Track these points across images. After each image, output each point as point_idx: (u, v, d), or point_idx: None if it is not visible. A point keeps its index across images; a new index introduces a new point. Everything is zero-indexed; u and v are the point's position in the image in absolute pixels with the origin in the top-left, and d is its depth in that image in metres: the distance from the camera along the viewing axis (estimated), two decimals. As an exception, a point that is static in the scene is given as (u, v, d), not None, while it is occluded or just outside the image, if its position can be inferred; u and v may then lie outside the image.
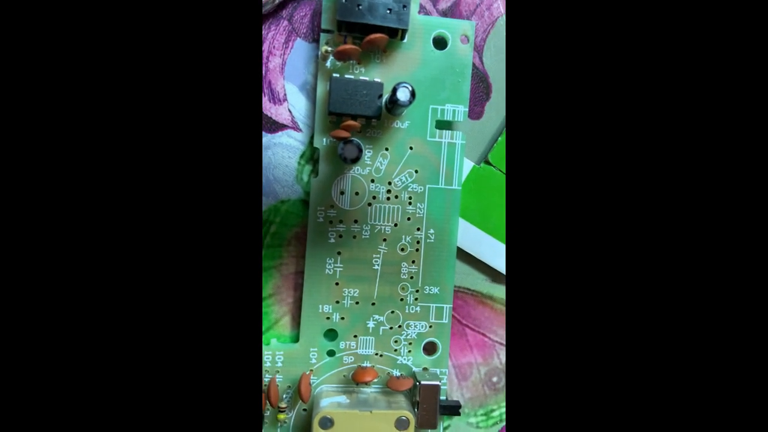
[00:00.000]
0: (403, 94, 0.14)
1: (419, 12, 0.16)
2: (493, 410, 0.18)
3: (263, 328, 0.16)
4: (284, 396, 0.16)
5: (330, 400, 0.15)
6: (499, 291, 0.18)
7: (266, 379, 0.16)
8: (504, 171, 0.17)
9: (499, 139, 0.17)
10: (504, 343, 0.18)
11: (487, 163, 0.17)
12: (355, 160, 0.14)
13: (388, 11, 0.15)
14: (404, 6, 0.15)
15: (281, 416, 0.15)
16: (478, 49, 0.17)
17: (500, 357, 0.18)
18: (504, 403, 0.18)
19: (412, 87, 0.14)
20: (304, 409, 0.16)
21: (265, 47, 0.16)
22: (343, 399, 0.15)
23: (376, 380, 0.16)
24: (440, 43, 0.16)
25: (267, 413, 0.16)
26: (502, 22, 0.17)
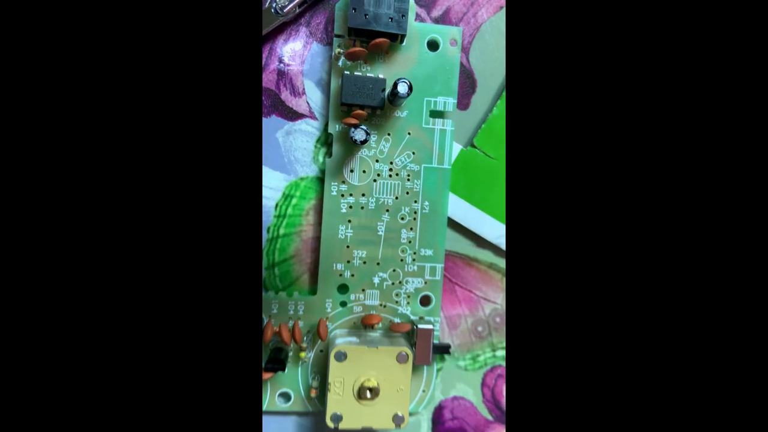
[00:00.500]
0: (402, 88, 0.17)
1: (415, 20, 0.19)
2: (478, 355, 0.21)
3: (286, 284, 0.20)
4: (305, 338, 0.19)
5: (343, 340, 0.18)
6: (483, 254, 0.21)
7: (291, 324, 0.19)
8: (488, 154, 0.20)
9: (483, 126, 0.20)
10: (488, 298, 0.21)
11: (473, 146, 0.20)
12: (364, 141, 0.17)
13: (390, 20, 0.18)
14: (403, 15, 0.18)
15: (302, 354, 0.19)
16: (465, 51, 0.20)
17: (484, 310, 0.21)
18: (488, 349, 0.21)
19: (409, 82, 0.17)
20: (321, 350, 0.19)
21: (287, 50, 0.19)
22: (353, 339, 0.18)
23: (380, 325, 0.19)
24: (433, 45, 0.19)
25: (290, 353, 0.19)
26: (485, 27, 0.20)
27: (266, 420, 0.20)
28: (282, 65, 0.18)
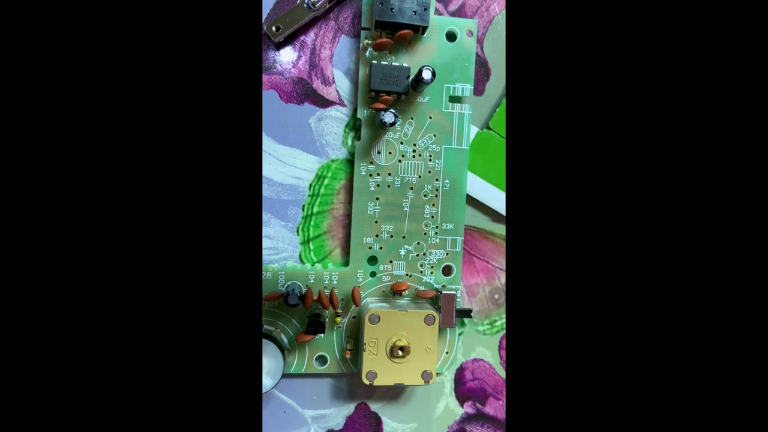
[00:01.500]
0: (427, 74, 0.19)
1: (435, 13, 0.21)
2: (495, 321, 0.23)
3: (321, 257, 0.21)
4: (339, 305, 0.21)
5: (375, 305, 0.20)
6: (499, 228, 0.23)
7: (327, 292, 0.20)
8: (502, 135, 0.22)
9: (497, 109, 0.22)
10: (503, 268, 0.23)
11: (489, 128, 0.22)
12: (393, 123, 0.19)
13: (414, 13, 0.20)
14: (425, 9, 0.20)
15: (338, 319, 0.20)
16: (480, 41, 0.22)
17: (500, 279, 0.23)
18: (504, 315, 0.23)
19: (433, 69, 0.19)
20: (354, 317, 0.21)
21: (317, 42, 0.21)
22: (384, 304, 0.20)
23: (407, 292, 0.21)
24: (451, 36, 0.21)
25: (326, 319, 0.21)
26: (497, 20, 0.22)
27: (304, 383, 0.22)
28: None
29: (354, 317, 0.21)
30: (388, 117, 0.19)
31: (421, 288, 0.21)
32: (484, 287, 0.23)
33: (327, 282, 0.21)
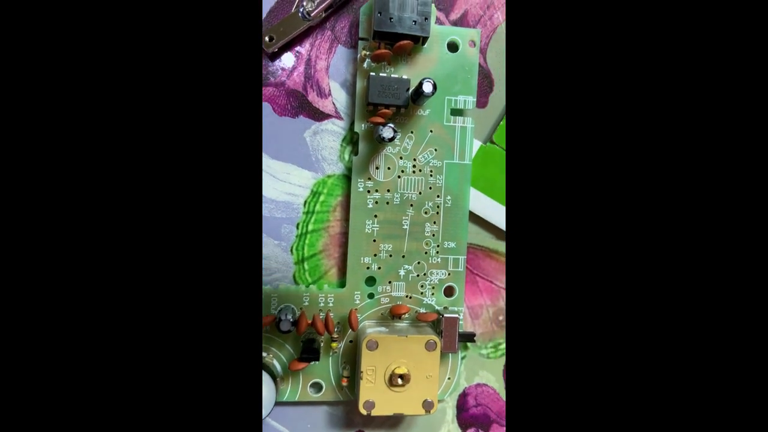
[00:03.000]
0: (427, 87, 0.18)
1: (435, 23, 0.20)
2: (500, 343, 0.22)
3: (315, 278, 0.20)
4: (335, 329, 0.20)
5: (373, 329, 0.19)
6: (503, 246, 0.22)
7: (323, 315, 0.19)
8: (505, 148, 0.21)
9: (501, 123, 0.21)
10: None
11: (492, 142, 0.21)
12: (391, 139, 0.18)
13: (414, 23, 0.19)
14: (426, 18, 0.19)
15: (334, 344, 0.19)
16: (482, 52, 0.21)
17: (505, 300, 0.22)
18: (506, 334, 0.22)
19: (434, 81, 0.18)
20: (351, 341, 0.20)
21: (312, 53, 0.20)
22: (383, 329, 0.19)
23: (407, 315, 0.20)
24: (453, 47, 0.20)
25: (321, 344, 0.19)
26: (501, 29, 0.21)
27: (298, 411, 0.20)
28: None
29: (351, 341, 0.20)
30: (387, 132, 0.18)
31: (422, 310, 0.20)
32: (487, 308, 0.22)
33: (322, 304, 0.20)
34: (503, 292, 0.22)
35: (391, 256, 0.20)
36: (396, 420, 0.21)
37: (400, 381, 0.18)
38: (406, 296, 0.20)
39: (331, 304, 0.20)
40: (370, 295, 0.20)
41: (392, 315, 0.20)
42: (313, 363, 0.19)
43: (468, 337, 0.20)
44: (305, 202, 0.20)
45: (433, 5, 0.19)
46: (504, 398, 0.22)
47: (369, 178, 0.20)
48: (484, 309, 0.22)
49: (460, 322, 0.20)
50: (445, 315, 0.19)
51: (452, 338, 0.19)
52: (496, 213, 0.21)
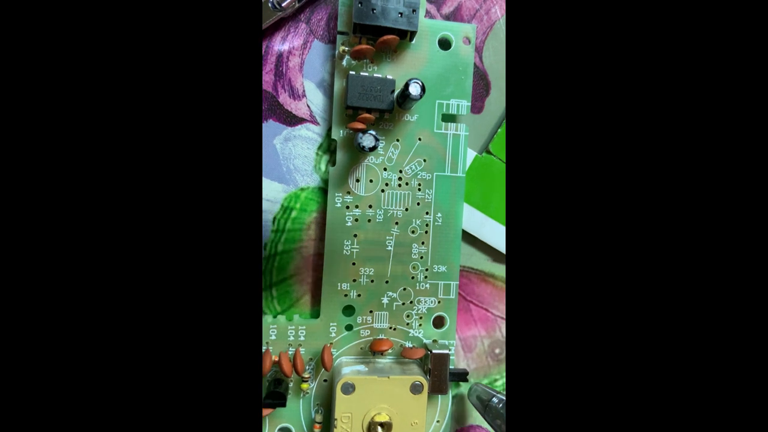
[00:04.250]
0: (414, 89, 0.16)
1: (425, 16, 0.18)
2: (496, 380, 0.19)
3: (285, 306, 0.18)
4: (307, 367, 0.17)
5: (350, 369, 0.16)
6: (500, 270, 0.19)
7: (291, 352, 0.17)
8: (503, 160, 0.19)
9: (499, 130, 0.19)
10: (504, 317, 0.19)
11: (488, 152, 0.19)
12: (373, 148, 0.16)
13: (399, 15, 0.16)
14: (414, 10, 0.16)
15: (305, 386, 0.17)
16: (478, 50, 0.19)
17: (501, 330, 0.19)
18: (505, 373, 0.19)
19: (422, 83, 0.16)
20: (325, 380, 0.17)
21: (284, 48, 0.17)
22: (362, 368, 0.17)
23: (390, 351, 0.18)
24: (445, 44, 0.18)
25: (291, 383, 0.17)
26: (499, 25, 0.19)
27: (263, 458, 0.18)
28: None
29: (325, 380, 0.17)
30: (368, 141, 0.16)
31: (408, 344, 0.18)
32: (482, 340, 0.19)
33: (292, 338, 0.17)
34: (500, 322, 0.19)
35: (372, 281, 0.18)
36: (378, 467, 0.18)
37: (380, 430, 0.16)
38: (390, 328, 0.18)
39: (302, 338, 0.17)
40: (348, 327, 0.18)
41: (373, 351, 0.17)
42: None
43: (460, 376, 0.17)
44: (274, 218, 0.18)
45: (422, -4, 0.17)
46: (500, 441, 0.19)
47: (348, 192, 0.17)
48: (478, 341, 0.19)
49: (452, 358, 0.18)
50: (434, 351, 0.17)
51: (442, 378, 0.17)
52: (492, 232, 0.19)
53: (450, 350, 0.18)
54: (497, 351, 0.19)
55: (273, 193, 0.18)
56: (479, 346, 0.19)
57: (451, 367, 0.17)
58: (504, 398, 0.17)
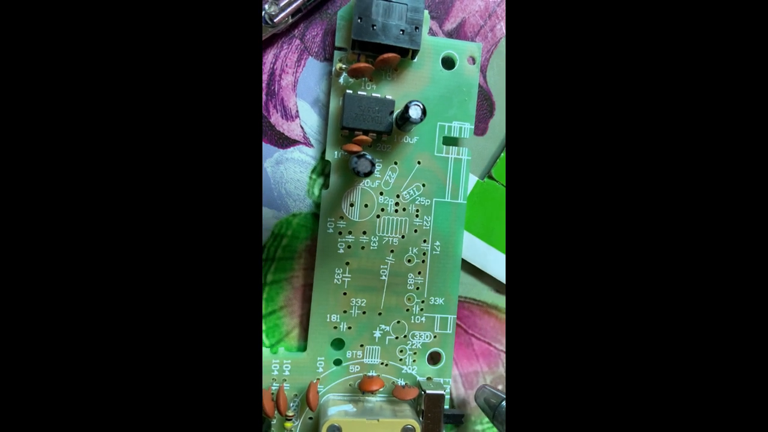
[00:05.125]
0: (414, 112, 0.15)
1: (428, 33, 0.17)
2: (495, 420, 0.18)
3: (274, 340, 0.17)
4: (291, 404, 0.16)
5: (337, 409, 0.15)
6: (503, 301, 0.18)
7: (274, 388, 0.16)
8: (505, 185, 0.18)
9: (502, 154, 0.18)
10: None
11: (491, 177, 0.18)
12: (368, 174, 0.15)
13: (401, 32, 0.15)
14: (417, 28, 0.15)
15: (288, 425, 0.16)
16: (482, 69, 0.18)
17: (505, 366, 0.18)
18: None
19: (423, 105, 0.15)
20: (310, 418, 0.16)
21: (277, 65, 0.17)
22: (349, 407, 0.15)
23: (381, 389, 0.16)
24: (448, 63, 0.17)
25: (274, 422, 0.16)
26: (504, 43, 0.18)
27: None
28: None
29: (310, 418, 0.16)
30: (363, 166, 0.15)
31: (400, 382, 0.17)
32: (484, 376, 0.18)
33: (276, 373, 0.16)
34: (504, 357, 0.18)
35: (364, 313, 0.17)
36: None
37: (368, 477, 0.15)
38: (382, 363, 0.17)
39: (287, 373, 0.16)
40: (337, 362, 0.16)
41: (362, 391, 0.16)
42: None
43: (456, 419, 0.16)
44: (264, 246, 0.17)
45: (426, 12, 0.16)
46: (499, 484, 0.18)
47: (341, 217, 0.16)
48: (480, 377, 0.18)
49: (447, 397, 0.17)
50: (428, 391, 0.16)
51: (436, 421, 0.16)
52: (494, 262, 0.18)
53: (445, 390, 0.16)
54: (501, 387, 0.18)
55: (263, 219, 0.17)
56: (481, 383, 0.18)
57: (446, 408, 0.16)
58: None
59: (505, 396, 0.16)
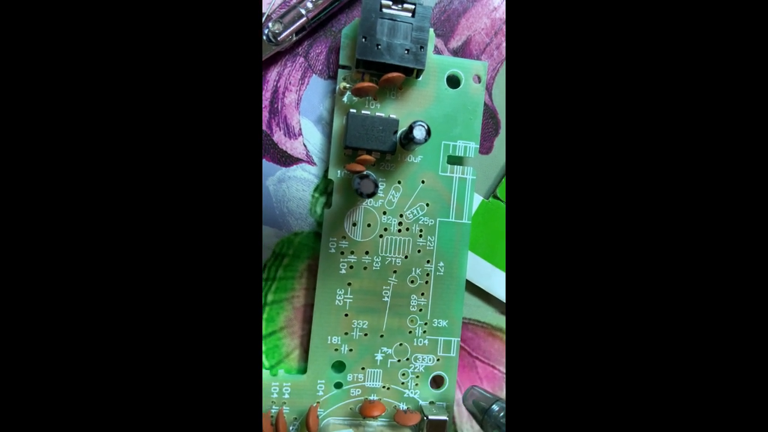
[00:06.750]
0: (419, 133, 0.14)
1: (433, 51, 0.17)
2: (499, 445, 0.18)
3: (274, 362, 0.16)
4: (290, 428, 0.16)
5: (338, 435, 0.15)
6: (507, 324, 0.18)
7: (273, 411, 0.15)
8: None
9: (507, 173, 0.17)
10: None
11: (495, 197, 0.17)
12: (371, 195, 0.15)
13: (406, 51, 0.15)
14: (422, 47, 0.15)
15: (288, 450, 0.15)
16: (488, 87, 0.17)
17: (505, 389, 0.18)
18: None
19: (427, 126, 0.15)
20: (311, 442, 0.16)
21: (281, 83, 0.16)
22: (350, 433, 0.15)
23: (383, 414, 0.16)
24: (453, 81, 0.17)
25: (273, 446, 0.15)
26: (512, 62, 0.17)
27: None
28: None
29: (311, 443, 0.16)
30: (366, 187, 0.14)
31: (402, 406, 0.16)
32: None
33: (275, 395, 0.16)
34: (505, 381, 0.18)
35: (366, 335, 0.16)
36: None
37: (368, 506, 0.14)
38: (383, 387, 0.16)
39: (286, 396, 0.16)
40: (338, 385, 0.16)
41: (363, 416, 0.16)
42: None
43: (459, 445, 0.16)
44: (265, 265, 0.16)
45: (431, 31, 0.16)
46: None
47: (343, 237, 0.16)
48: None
49: (449, 423, 0.16)
50: (430, 417, 0.15)
51: (439, 448, 0.15)
52: (499, 284, 0.17)
53: (448, 416, 0.16)
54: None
55: (264, 238, 0.16)
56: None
57: (449, 433, 0.16)
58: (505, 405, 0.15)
59: (495, 398, 0.15)
